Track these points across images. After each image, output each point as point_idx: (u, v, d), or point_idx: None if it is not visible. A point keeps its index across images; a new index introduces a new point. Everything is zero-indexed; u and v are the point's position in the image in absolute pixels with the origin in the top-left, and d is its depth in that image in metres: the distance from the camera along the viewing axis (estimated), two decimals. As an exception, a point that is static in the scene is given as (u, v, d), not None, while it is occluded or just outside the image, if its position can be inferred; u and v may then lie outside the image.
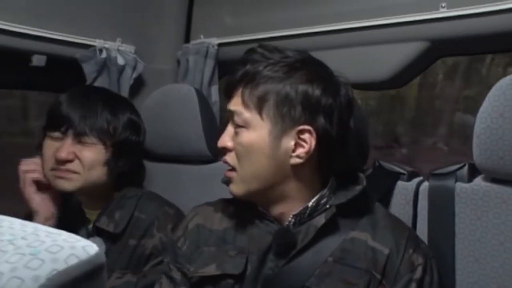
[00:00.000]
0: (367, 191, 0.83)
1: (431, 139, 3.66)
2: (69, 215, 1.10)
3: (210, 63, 1.50)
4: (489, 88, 0.87)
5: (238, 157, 0.80)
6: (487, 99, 0.87)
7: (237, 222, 0.87)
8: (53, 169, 1.05)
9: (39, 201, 1.10)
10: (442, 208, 0.94)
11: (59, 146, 1.05)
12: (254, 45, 0.83)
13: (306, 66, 0.80)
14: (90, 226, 1.09)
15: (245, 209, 0.87)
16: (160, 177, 1.38)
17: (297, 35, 1.33)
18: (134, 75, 1.49)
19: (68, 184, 1.05)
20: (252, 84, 0.78)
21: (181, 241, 0.90)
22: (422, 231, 0.96)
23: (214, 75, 1.53)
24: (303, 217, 0.82)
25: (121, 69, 1.45)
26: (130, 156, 1.12)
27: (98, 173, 1.07)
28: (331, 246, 0.79)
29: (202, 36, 1.53)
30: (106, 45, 1.42)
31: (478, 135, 0.87)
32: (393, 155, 3.52)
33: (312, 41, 1.30)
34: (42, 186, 1.11)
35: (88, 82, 1.41)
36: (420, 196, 0.99)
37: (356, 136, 0.90)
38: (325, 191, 0.83)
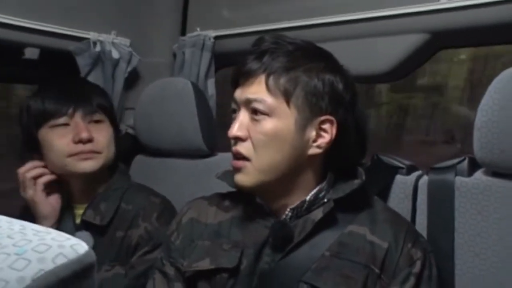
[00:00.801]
0: (365, 185, 0.82)
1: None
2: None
3: (207, 56, 1.48)
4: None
5: (255, 146, 0.78)
6: (488, 92, 0.86)
7: (232, 215, 0.86)
8: (74, 154, 1.03)
9: (49, 206, 1.06)
10: (442, 203, 0.93)
11: (68, 132, 1.03)
12: (252, 38, 0.83)
13: (325, 57, 0.82)
14: (78, 220, 1.08)
15: (241, 203, 0.86)
16: (156, 171, 1.37)
17: (295, 27, 1.31)
18: (129, 69, 1.47)
19: (93, 164, 1.05)
20: (278, 72, 0.77)
21: (174, 235, 0.89)
22: (421, 226, 0.95)
23: (211, 68, 1.51)
24: (300, 211, 0.81)
25: (116, 63, 1.43)
26: (120, 133, 1.16)
27: (113, 151, 1.10)
28: (328, 240, 0.79)
29: (198, 29, 1.51)
30: (101, 38, 1.40)
31: (479, 128, 0.86)
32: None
33: (310, 33, 1.28)
34: (48, 188, 1.08)
35: (82, 75, 1.39)
36: (419, 190, 0.98)
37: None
38: (323, 184, 0.82)
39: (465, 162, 0.94)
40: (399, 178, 1.02)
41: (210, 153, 1.30)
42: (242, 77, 0.80)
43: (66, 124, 1.04)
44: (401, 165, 1.03)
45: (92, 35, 1.38)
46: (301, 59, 0.78)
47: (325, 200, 0.80)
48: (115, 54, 1.43)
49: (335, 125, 0.78)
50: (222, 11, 1.51)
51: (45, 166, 1.07)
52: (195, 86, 1.30)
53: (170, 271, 0.86)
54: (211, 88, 1.52)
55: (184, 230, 0.88)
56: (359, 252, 0.77)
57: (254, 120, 0.78)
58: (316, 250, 0.78)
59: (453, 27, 1.12)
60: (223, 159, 1.24)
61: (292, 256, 0.79)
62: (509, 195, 0.86)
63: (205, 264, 0.82)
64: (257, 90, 0.78)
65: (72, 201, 1.11)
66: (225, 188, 0.88)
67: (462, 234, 0.91)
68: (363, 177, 0.81)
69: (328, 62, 0.81)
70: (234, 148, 0.80)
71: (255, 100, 0.77)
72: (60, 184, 1.09)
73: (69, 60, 1.37)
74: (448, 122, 4.22)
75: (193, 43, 1.49)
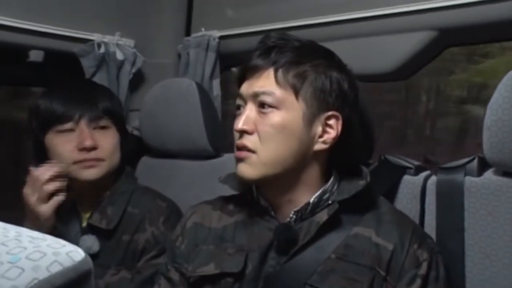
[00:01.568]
0: (371, 186, 0.81)
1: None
2: (63, 215, 1.07)
3: (211, 56, 1.48)
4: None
5: (261, 139, 0.77)
6: (497, 90, 0.84)
7: (236, 219, 0.85)
8: (78, 161, 1.02)
9: (51, 216, 1.00)
10: (451, 203, 0.91)
11: (74, 138, 1.03)
12: (257, 37, 0.82)
13: (330, 55, 0.83)
14: (85, 224, 1.07)
15: (245, 206, 0.85)
16: (162, 173, 1.36)
17: (299, 26, 1.30)
18: (133, 70, 1.47)
19: (96, 172, 1.04)
20: (286, 66, 0.77)
21: (179, 240, 0.88)
22: (430, 227, 0.93)
23: (216, 69, 1.50)
24: (304, 213, 0.80)
25: (120, 64, 1.43)
26: (127, 137, 1.13)
27: (118, 157, 1.08)
28: (334, 242, 0.78)
29: (203, 29, 1.50)
30: (105, 39, 1.40)
31: (489, 127, 0.84)
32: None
33: (315, 32, 1.27)
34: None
35: (87, 77, 1.39)
36: (428, 191, 0.96)
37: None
38: (327, 186, 0.81)
39: (475, 162, 0.92)
40: (407, 178, 1.00)
41: (216, 154, 1.29)
42: (249, 72, 0.80)
43: (71, 130, 1.04)
44: (409, 165, 1.01)
45: (96, 37, 1.38)
46: (308, 55, 0.79)
47: (330, 202, 0.79)
48: (120, 56, 1.42)
49: (340, 121, 0.79)
50: (227, 10, 1.51)
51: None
52: (200, 86, 1.29)
53: (175, 276, 0.86)
54: (216, 89, 1.51)
55: (189, 235, 0.87)
56: (364, 254, 0.76)
57: (261, 113, 0.78)
58: (321, 253, 0.77)
59: (460, 24, 1.10)
60: (228, 160, 1.23)
61: (297, 259, 0.78)
62: (521, 195, 0.84)
63: (209, 269, 0.81)
64: (265, 84, 0.78)
65: (79, 205, 1.10)
66: (230, 190, 0.88)
67: (472, 235, 0.89)
68: (368, 178, 0.80)
69: (333, 60, 0.82)
70: (239, 142, 0.79)
71: (264, 93, 0.77)
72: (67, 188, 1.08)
73: (73, 62, 1.36)
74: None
75: (197, 44, 1.48)
